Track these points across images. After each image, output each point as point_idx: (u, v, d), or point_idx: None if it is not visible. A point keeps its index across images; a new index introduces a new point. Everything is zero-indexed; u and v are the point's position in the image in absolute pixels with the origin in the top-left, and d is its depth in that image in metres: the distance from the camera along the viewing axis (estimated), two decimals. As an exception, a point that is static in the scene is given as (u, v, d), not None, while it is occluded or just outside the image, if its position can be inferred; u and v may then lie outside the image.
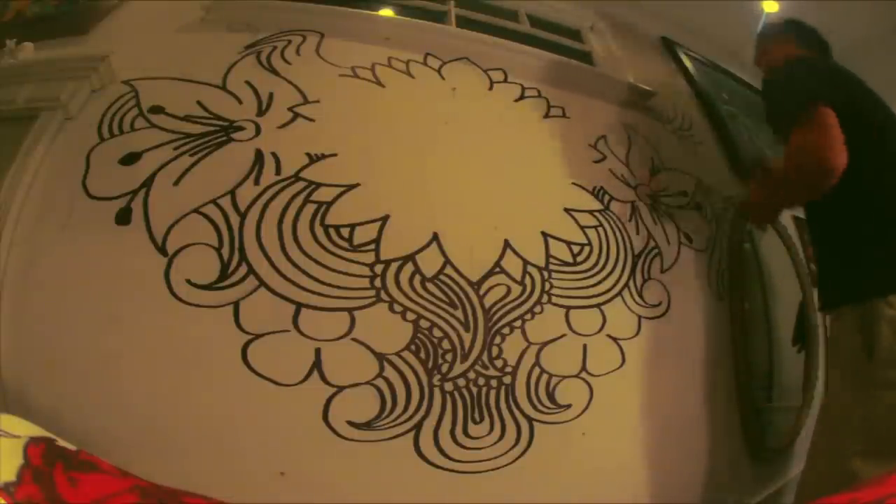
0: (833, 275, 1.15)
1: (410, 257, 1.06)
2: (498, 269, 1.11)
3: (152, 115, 1.08)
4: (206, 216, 1.00)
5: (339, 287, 1.00)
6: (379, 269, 1.03)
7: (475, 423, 1.02)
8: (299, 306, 0.98)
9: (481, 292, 1.08)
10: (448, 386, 1.01)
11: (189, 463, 0.90)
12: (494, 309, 1.08)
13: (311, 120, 1.14)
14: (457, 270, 1.08)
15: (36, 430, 0.70)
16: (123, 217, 0.99)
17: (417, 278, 1.05)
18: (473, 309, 1.07)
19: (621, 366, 1.17)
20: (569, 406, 1.09)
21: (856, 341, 1.03)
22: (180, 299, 0.95)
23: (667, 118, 1.58)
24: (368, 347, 0.99)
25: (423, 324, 1.02)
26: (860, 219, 1.09)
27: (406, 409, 0.98)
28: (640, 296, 1.24)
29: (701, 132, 1.65)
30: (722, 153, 1.66)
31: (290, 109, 1.14)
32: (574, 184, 1.29)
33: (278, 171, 1.06)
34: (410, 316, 1.02)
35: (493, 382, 1.05)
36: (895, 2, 1.82)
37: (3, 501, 0.59)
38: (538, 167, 1.29)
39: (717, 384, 1.31)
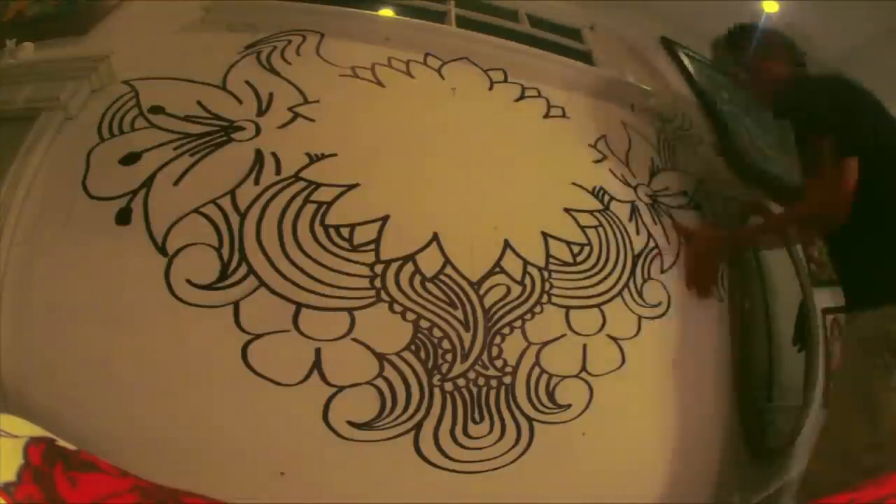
0: (858, 278, 1.20)
1: (410, 257, 1.06)
2: (498, 269, 1.11)
3: (152, 115, 1.08)
4: (206, 216, 1.00)
5: (339, 287, 1.00)
6: (379, 269, 1.03)
7: (475, 423, 1.02)
8: (299, 306, 0.98)
9: (481, 292, 1.08)
10: (448, 386, 1.01)
11: (189, 463, 0.90)
12: (494, 309, 1.08)
13: (311, 120, 1.14)
14: (457, 270, 1.08)
15: (36, 430, 0.70)
16: (123, 217, 0.99)
17: (417, 278, 1.05)
18: (473, 309, 1.07)
19: (621, 366, 1.17)
20: (569, 406, 1.09)
21: (878, 337, 1.08)
22: (180, 299, 0.95)
23: (667, 118, 1.58)
24: (368, 347, 0.99)
25: (423, 324, 1.02)
26: (885, 225, 1.14)
27: (406, 409, 0.98)
28: (640, 296, 1.24)
29: (701, 132, 1.65)
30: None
31: (290, 109, 1.14)
32: (574, 184, 1.29)
33: (278, 171, 1.06)
34: (410, 316, 1.02)
35: (493, 382, 1.05)
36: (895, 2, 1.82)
37: (3, 501, 0.59)
38: (538, 167, 1.29)
39: (717, 384, 1.31)
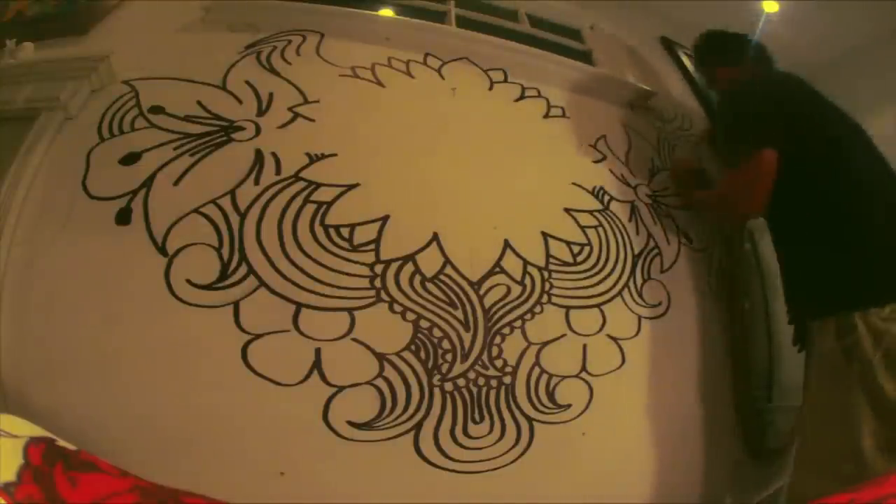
0: (805, 288, 1.19)
1: (410, 257, 1.06)
2: (498, 269, 1.11)
3: (152, 115, 1.08)
4: (206, 216, 1.00)
5: (339, 287, 1.01)
6: (379, 269, 1.03)
7: (475, 423, 1.02)
8: (299, 306, 0.98)
9: (481, 292, 1.08)
10: (448, 386, 1.01)
11: (189, 463, 0.90)
12: (494, 309, 1.08)
13: (311, 120, 1.14)
14: (457, 270, 1.08)
15: (36, 430, 0.70)
16: (123, 217, 0.99)
17: (417, 278, 1.05)
18: (473, 309, 1.07)
19: (621, 366, 1.17)
20: (569, 406, 1.09)
21: (834, 349, 1.06)
22: (180, 299, 0.95)
23: (667, 118, 1.58)
24: (368, 347, 0.99)
25: (423, 324, 1.03)
26: (828, 234, 1.13)
27: (406, 409, 0.98)
28: (640, 296, 1.24)
29: (701, 132, 1.65)
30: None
31: (290, 109, 1.14)
32: (574, 184, 1.29)
33: (278, 171, 1.06)
34: (410, 316, 1.02)
35: (493, 382, 1.05)
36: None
37: (3, 501, 0.60)
38: (538, 167, 1.29)
39: (717, 384, 1.31)
